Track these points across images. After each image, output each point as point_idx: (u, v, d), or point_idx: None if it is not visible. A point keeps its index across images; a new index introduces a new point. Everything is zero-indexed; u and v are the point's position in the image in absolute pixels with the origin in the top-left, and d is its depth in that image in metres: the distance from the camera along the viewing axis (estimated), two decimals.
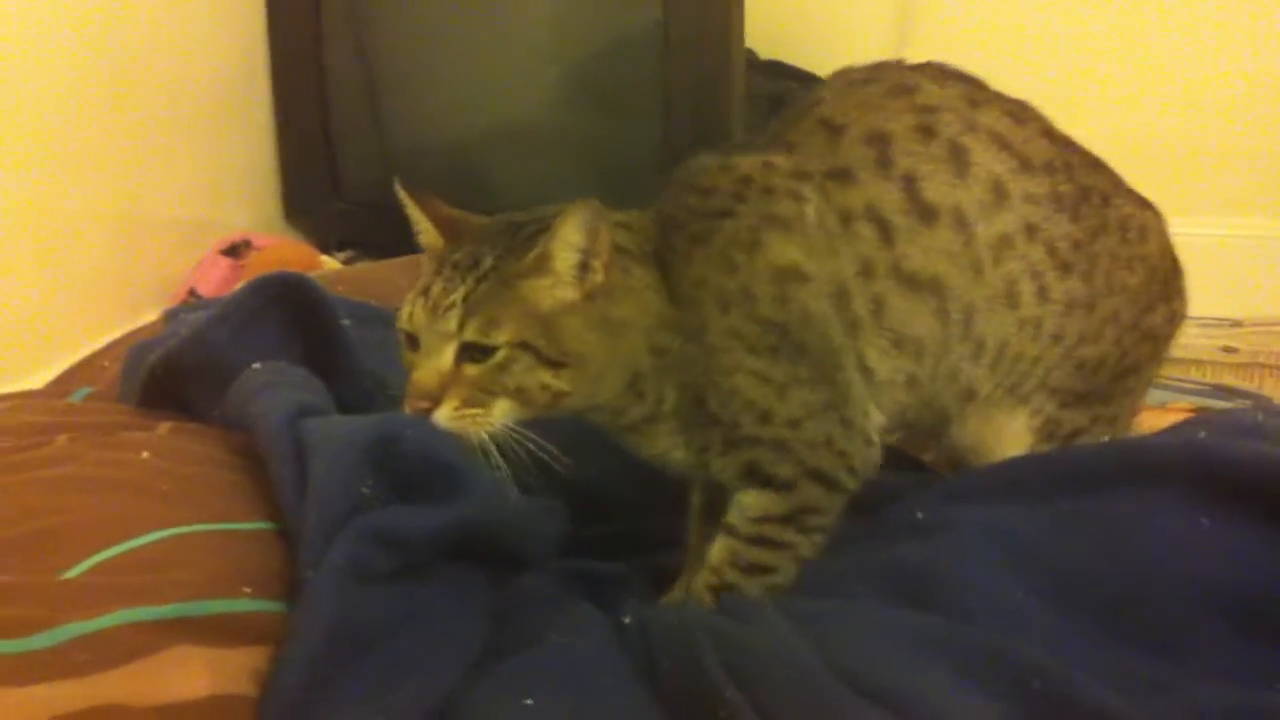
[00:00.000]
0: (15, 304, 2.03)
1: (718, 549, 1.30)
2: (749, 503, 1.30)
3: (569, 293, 1.20)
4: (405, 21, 2.73)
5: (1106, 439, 1.43)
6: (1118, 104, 2.70)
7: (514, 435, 1.19)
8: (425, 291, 1.20)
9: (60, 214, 2.14)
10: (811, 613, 1.14)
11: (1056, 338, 1.36)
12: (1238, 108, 2.66)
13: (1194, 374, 2.31)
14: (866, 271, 1.28)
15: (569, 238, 1.18)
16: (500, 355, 1.17)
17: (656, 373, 1.26)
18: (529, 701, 1.01)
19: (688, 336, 1.26)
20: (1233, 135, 2.67)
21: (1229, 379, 2.27)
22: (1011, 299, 1.32)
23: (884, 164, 1.29)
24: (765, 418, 1.26)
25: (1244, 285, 2.67)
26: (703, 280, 1.26)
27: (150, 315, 1.71)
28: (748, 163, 1.31)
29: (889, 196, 1.29)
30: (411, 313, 1.21)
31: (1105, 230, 1.37)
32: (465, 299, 1.17)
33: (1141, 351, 1.43)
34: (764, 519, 1.29)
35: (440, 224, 1.27)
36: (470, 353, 1.17)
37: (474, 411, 1.18)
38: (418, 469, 1.15)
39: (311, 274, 1.70)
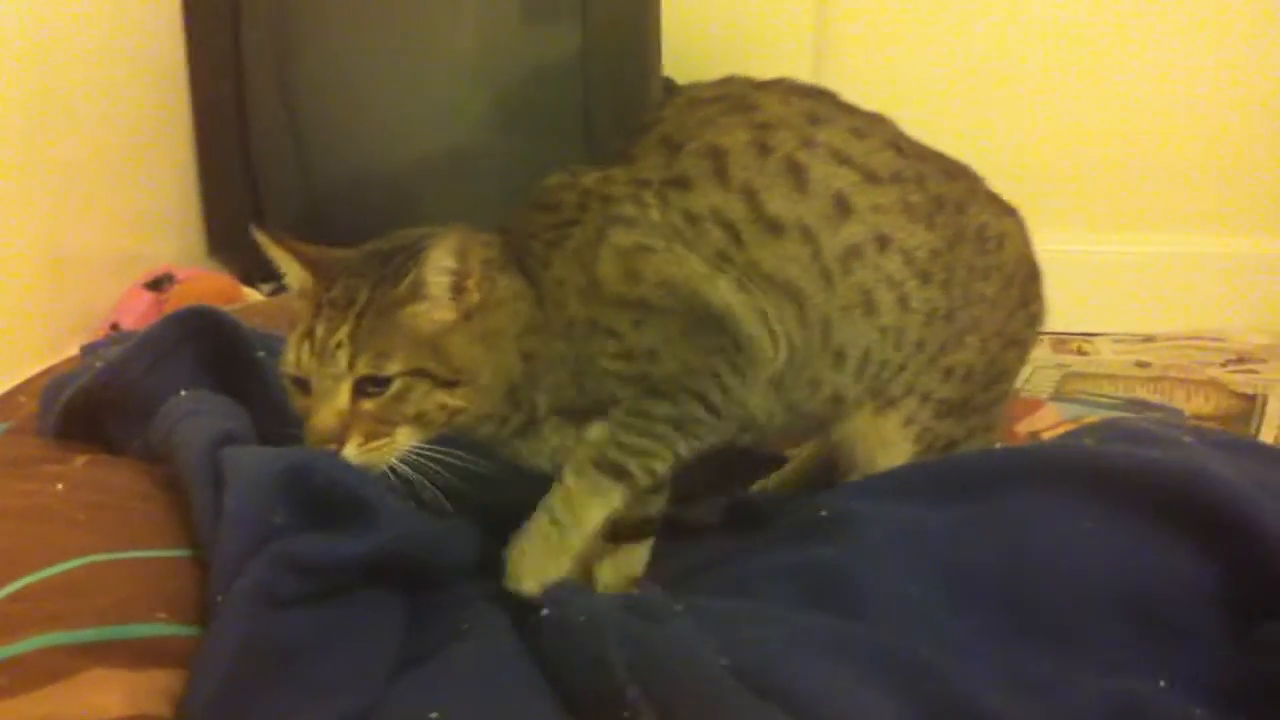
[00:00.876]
0: None
1: (597, 429, 1.32)
2: (630, 402, 1.31)
3: (447, 314, 1.21)
4: (326, 53, 2.74)
5: (983, 445, 1.48)
6: (1038, 121, 2.75)
7: (424, 455, 1.21)
8: (309, 334, 1.20)
9: None
10: (721, 612, 1.15)
11: (919, 345, 1.40)
12: (1157, 127, 2.70)
13: (1107, 388, 2.34)
14: (723, 260, 1.31)
15: (440, 262, 1.19)
16: (397, 385, 1.18)
17: (527, 379, 1.28)
18: (434, 715, 1.02)
19: (554, 335, 1.28)
20: (1151, 155, 2.72)
21: (1142, 393, 2.31)
22: (868, 308, 1.36)
23: (721, 175, 1.33)
24: (642, 379, 1.29)
25: (1156, 301, 2.73)
26: (563, 280, 1.29)
27: (72, 349, 1.71)
28: (588, 178, 1.35)
29: (732, 205, 1.32)
30: (298, 358, 1.20)
31: (962, 239, 1.41)
32: (351, 335, 1.18)
33: (1008, 357, 1.48)
34: (646, 414, 1.31)
35: (307, 263, 1.26)
36: (365, 387, 1.18)
37: (379, 443, 1.19)
38: (330, 498, 1.16)
39: (228, 307, 1.71)
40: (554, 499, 1.31)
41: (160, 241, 2.72)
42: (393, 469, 1.20)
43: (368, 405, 1.18)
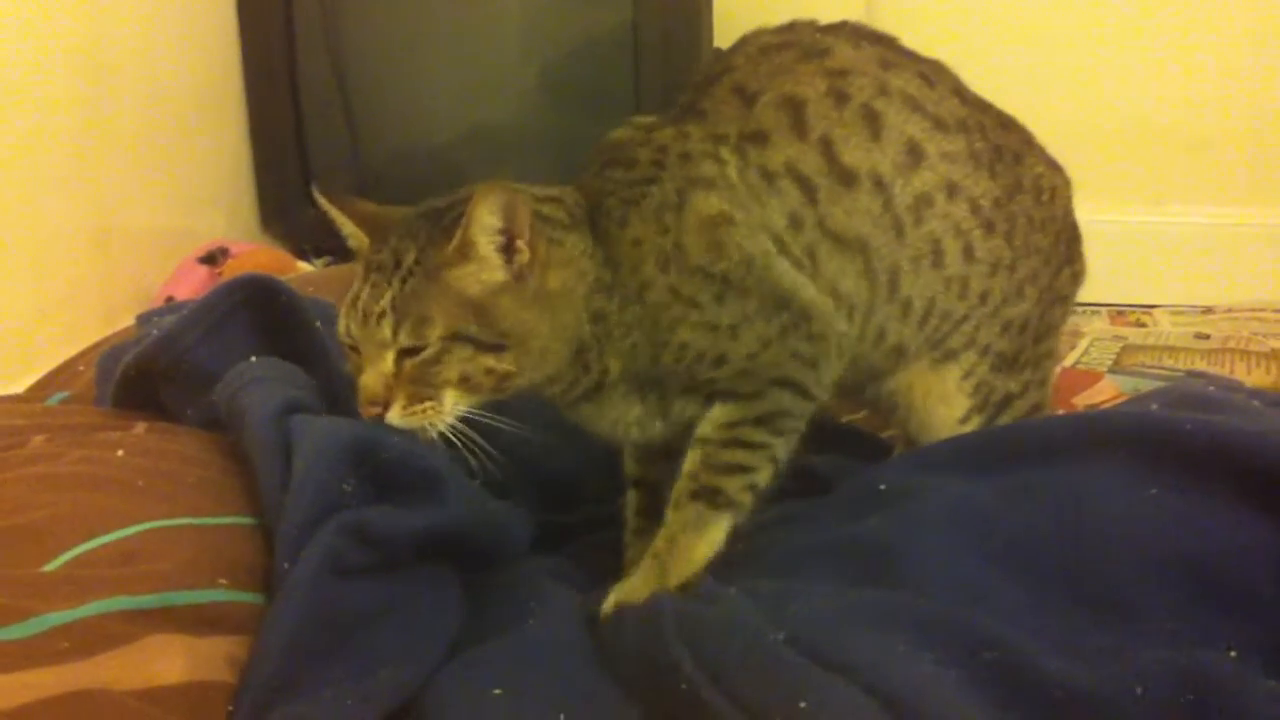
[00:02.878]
0: None
1: (690, 459, 1.29)
2: (717, 413, 1.29)
3: (497, 275, 1.18)
4: (376, 28, 2.75)
5: (1037, 401, 1.46)
6: (1094, 91, 2.72)
7: (473, 422, 1.19)
8: (355, 300, 1.20)
9: (40, 226, 2.15)
10: (774, 592, 1.15)
11: (983, 297, 1.38)
12: (1213, 98, 2.68)
13: (1167, 361, 2.31)
14: (795, 224, 1.29)
15: (484, 221, 1.16)
16: (434, 348, 1.16)
17: (597, 341, 1.26)
18: (497, 691, 1.02)
19: (628, 299, 1.26)
20: (1208, 125, 2.69)
21: (1201, 365, 2.27)
22: (936, 258, 1.34)
23: (799, 128, 1.30)
24: (719, 361, 1.26)
25: (1215, 272, 2.70)
26: (639, 240, 1.26)
27: (126, 323, 1.72)
28: (663, 134, 1.32)
29: (808, 157, 1.29)
30: (347, 325, 1.20)
31: (1020, 189, 1.40)
32: (393, 304, 1.16)
33: (1055, 314, 1.47)
34: (735, 424, 1.28)
35: (363, 223, 1.26)
36: (409, 351, 1.17)
37: (424, 406, 1.18)
38: (400, 472, 1.16)
39: (283, 277, 1.71)
40: (656, 540, 1.28)
41: (214, 216, 2.74)
42: (443, 435, 1.19)
43: (412, 368, 1.17)
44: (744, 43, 1.38)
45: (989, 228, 1.36)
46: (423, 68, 2.73)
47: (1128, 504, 1.16)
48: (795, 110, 1.30)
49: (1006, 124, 1.43)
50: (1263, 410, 1.26)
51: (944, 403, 1.42)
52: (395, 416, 1.17)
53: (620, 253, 1.26)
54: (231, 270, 2.45)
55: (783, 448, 1.30)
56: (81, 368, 1.57)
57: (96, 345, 1.65)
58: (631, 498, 1.45)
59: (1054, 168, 1.46)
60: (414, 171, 2.75)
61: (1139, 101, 2.71)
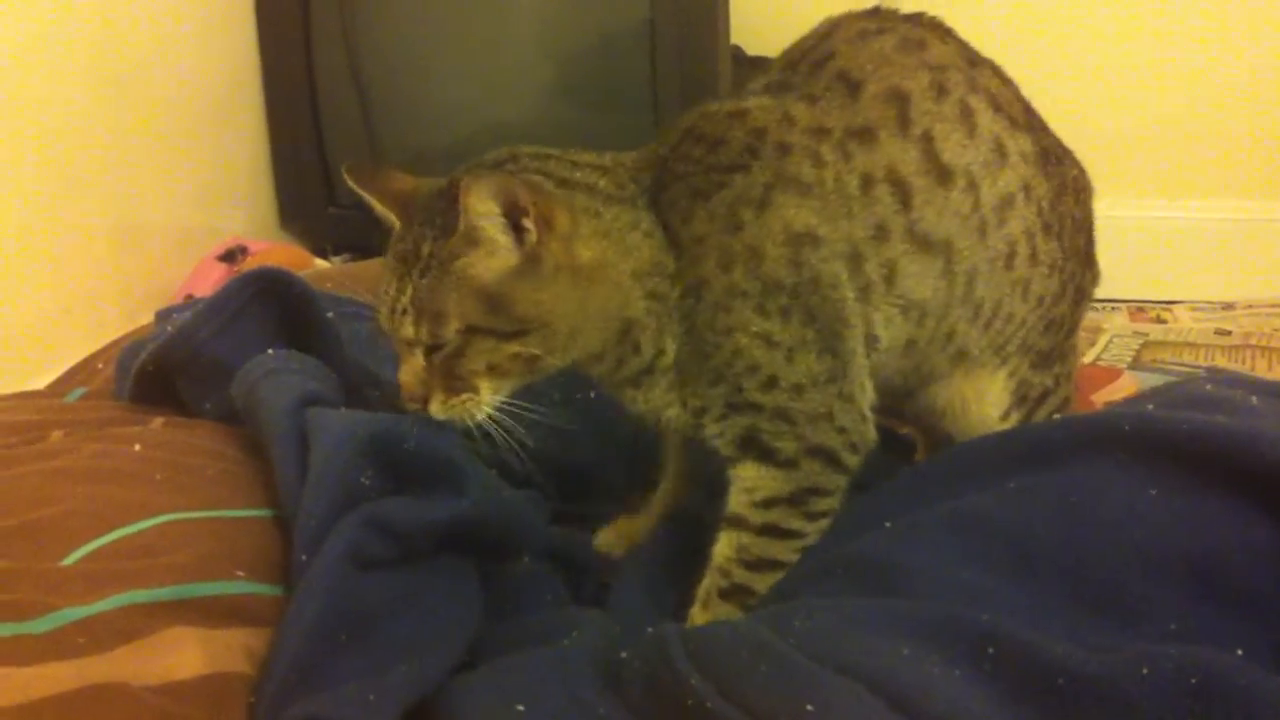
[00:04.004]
0: (17, 312, 2.05)
1: (723, 544, 1.25)
2: (751, 482, 1.25)
3: (509, 259, 1.14)
4: (394, 25, 2.75)
5: (1067, 394, 1.46)
6: (1115, 86, 2.71)
7: (507, 411, 1.18)
8: (384, 295, 1.17)
9: (60, 224, 2.16)
10: (775, 613, 1.12)
11: (1040, 299, 1.36)
12: (1234, 92, 2.66)
13: (1187, 357, 2.31)
14: (881, 235, 1.25)
15: (479, 209, 1.11)
16: (453, 343, 1.14)
17: (654, 320, 1.22)
18: (520, 708, 1.01)
19: (686, 291, 1.21)
20: (1228, 119, 2.67)
21: (1222, 361, 2.27)
22: (1010, 260, 1.32)
23: (904, 123, 1.26)
24: (770, 383, 1.21)
25: (1236, 268, 2.68)
26: (702, 237, 1.21)
27: (148, 320, 1.73)
28: (763, 113, 1.26)
29: (908, 157, 1.26)
30: (380, 316, 1.19)
31: (1065, 190, 1.38)
32: (412, 300, 1.14)
33: (1079, 312, 1.47)
34: (771, 503, 1.24)
35: (393, 203, 1.22)
36: (434, 347, 1.15)
37: (463, 398, 1.16)
38: (419, 464, 1.16)
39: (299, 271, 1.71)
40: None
41: (232, 214, 2.75)
42: (480, 425, 1.18)
43: (439, 363, 1.16)
44: (837, 24, 1.34)
45: (1047, 230, 1.34)
46: (440, 66, 2.74)
47: (1127, 505, 1.13)
48: (901, 104, 1.27)
49: (1046, 126, 1.41)
50: (1261, 407, 1.25)
51: (984, 401, 1.40)
52: (436, 409, 1.16)
53: (681, 243, 1.22)
54: (249, 268, 2.46)
55: (814, 536, 1.25)
56: (101, 365, 1.57)
57: (116, 342, 1.65)
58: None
59: (1080, 168, 1.45)
60: (432, 169, 2.74)
61: (1160, 96, 2.69)
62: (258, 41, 2.81)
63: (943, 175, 1.27)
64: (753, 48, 2.83)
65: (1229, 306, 2.61)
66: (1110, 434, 1.19)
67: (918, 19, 1.35)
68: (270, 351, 1.31)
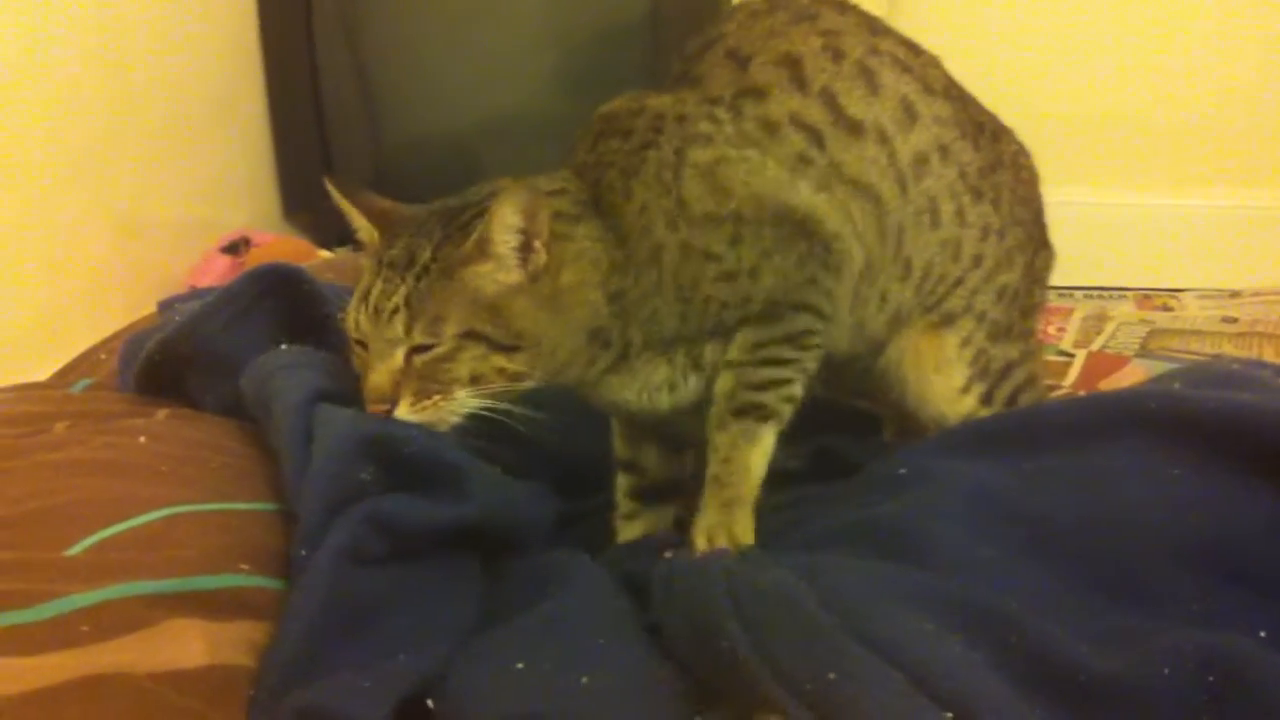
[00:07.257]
0: (21, 304, 2.06)
1: (724, 379, 1.30)
2: (742, 338, 1.30)
3: (512, 275, 1.18)
4: (395, 18, 2.75)
5: (1033, 371, 1.47)
6: (1116, 77, 2.70)
7: (496, 410, 1.19)
8: (366, 295, 1.18)
9: (64, 216, 2.16)
10: (805, 565, 1.13)
11: (976, 260, 1.39)
12: (1241, 80, 2.66)
13: (1193, 345, 2.30)
14: (804, 161, 1.28)
15: (507, 220, 1.16)
16: (446, 346, 1.16)
17: (617, 319, 1.25)
18: (519, 665, 1.02)
19: (643, 268, 1.25)
20: (1235, 108, 2.67)
21: (1228, 349, 2.27)
22: (934, 217, 1.35)
23: (799, 81, 1.30)
24: (746, 301, 1.27)
25: (1242, 255, 2.68)
26: (645, 207, 1.25)
27: (151, 312, 1.73)
28: (656, 101, 1.31)
29: (811, 109, 1.29)
30: (356, 320, 1.19)
31: (1001, 164, 1.42)
32: (407, 301, 1.15)
33: (1034, 295, 1.48)
34: (763, 344, 1.29)
35: (373, 218, 1.25)
36: (420, 349, 1.16)
37: (434, 400, 1.17)
38: (422, 467, 1.15)
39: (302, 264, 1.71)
40: (710, 466, 1.28)
41: (236, 206, 2.76)
42: (468, 420, 1.19)
43: (421, 364, 1.17)
44: (733, 11, 1.38)
45: (977, 194, 1.38)
46: (442, 57, 2.74)
47: (1150, 486, 1.14)
48: (793, 65, 1.30)
49: (981, 107, 1.45)
50: None
51: (942, 371, 1.42)
52: (404, 411, 1.17)
53: (628, 224, 1.25)
54: (254, 260, 2.47)
55: (811, 360, 1.31)
56: (104, 355, 1.57)
57: (119, 333, 1.65)
58: (622, 481, 1.45)
59: (1026, 152, 1.48)
60: (433, 160, 2.76)
61: (1165, 84, 2.69)
62: (260, 33, 2.81)
63: (853, 127, 1.30)
64: None
65: (1235, 294, 2.61)
66: (1136, 412, 1.19)
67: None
68: (283, 346, 1.31)
